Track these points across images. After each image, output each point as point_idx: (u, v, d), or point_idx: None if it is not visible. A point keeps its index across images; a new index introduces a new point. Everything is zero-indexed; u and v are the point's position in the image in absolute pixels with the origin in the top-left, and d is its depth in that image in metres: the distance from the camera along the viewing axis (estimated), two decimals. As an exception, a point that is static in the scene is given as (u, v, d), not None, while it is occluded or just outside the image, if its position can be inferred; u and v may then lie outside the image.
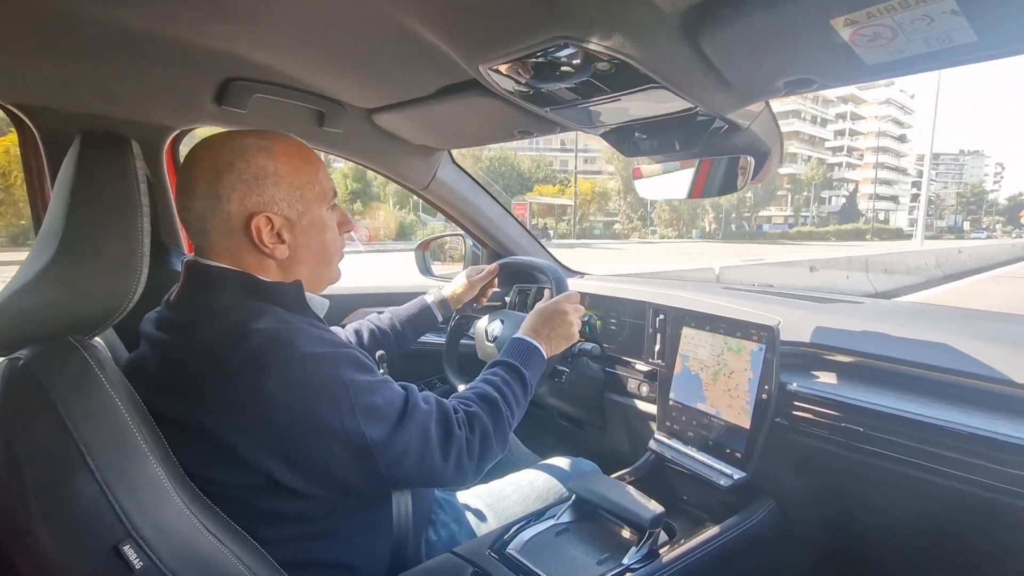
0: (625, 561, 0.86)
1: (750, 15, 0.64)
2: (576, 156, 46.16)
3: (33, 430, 0.56)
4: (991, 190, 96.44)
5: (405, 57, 0.90)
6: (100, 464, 0.55)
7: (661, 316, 1.28)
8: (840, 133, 68.65)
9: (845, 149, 68.42)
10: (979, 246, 22.42)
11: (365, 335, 1.17)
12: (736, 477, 1.03)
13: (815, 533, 1.07)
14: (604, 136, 1.18)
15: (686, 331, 1.20)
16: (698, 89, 0.85)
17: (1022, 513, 0.75)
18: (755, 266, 9.82)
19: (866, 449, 0.90)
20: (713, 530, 0.97)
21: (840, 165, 67.77)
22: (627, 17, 0.67)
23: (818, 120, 65.44)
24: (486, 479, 0.93)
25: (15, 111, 1.00)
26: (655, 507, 0.90)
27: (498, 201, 1.71)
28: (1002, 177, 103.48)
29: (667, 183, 1.19)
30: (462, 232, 1.74)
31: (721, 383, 1.10)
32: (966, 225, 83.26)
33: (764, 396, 1.02)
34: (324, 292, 0.82)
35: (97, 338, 0.68)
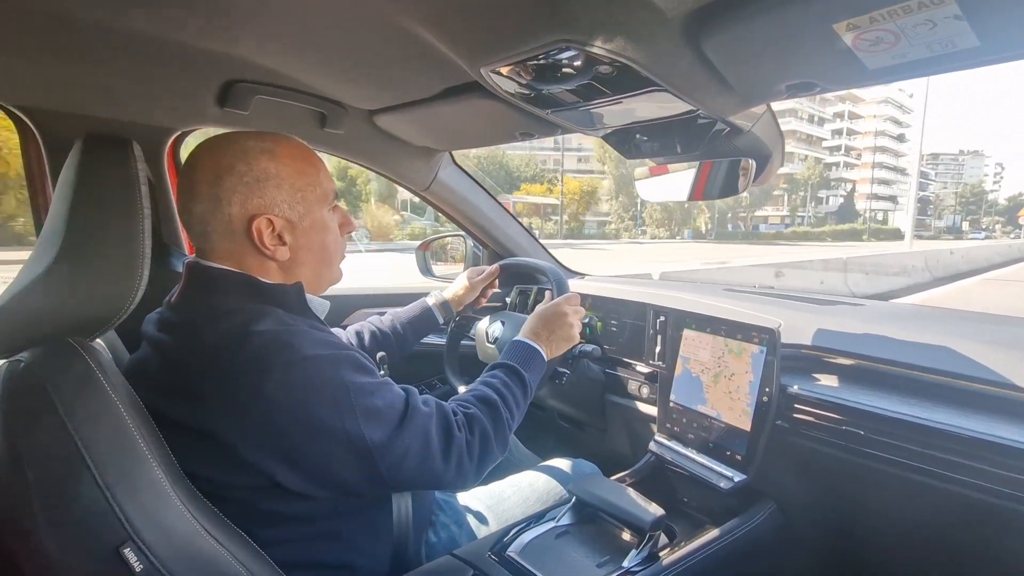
0: (625, 564, 0.86)
1: (752, 19, 0.64)
2: (563, 155, 45.61)
3: (35, 432, 0.56)
4: (991, 190, 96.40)
5: (407, 59, 0.90)
6: (101, 466, 0.55)
7: (662, 318, 1.28)
8: (838, 132, 68.43)
9: (843, 148, 68.17)
10: (973, 247, 21.68)
11: (366, 337, 1.17)
12: (737, 480, 1.03)
13: (816, 536, 1.07)
14: (605, 138, 1.17)
15: (687, 333, 1.20)
16: (700, 92, 0.85)
17: (1023, 517, 0.75)
18: (705, 271, 9.50)
19: (867, 452, 0.90)
20: (713, 533, 0.97)
21: (838, 165, 67.61)
22: (629, 21, 0.67)
23: (815, 119, 65.27)
24: (486, 480, 0.93)
25: (17, 113, 1.00)
26: (655, 509, 0.90)
27: (499, 202, 1.71)
28: (1002, 177, 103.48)
29: (668, 185, 1.19)
30: (463, 233, 1.75)
31: (722, 385, 1.10)
32: (965, 225, 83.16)
33: (765, 398, 1.02)
34: (324, 292, 0.82)
35: (98, 340, 0.68)
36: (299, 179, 0.73)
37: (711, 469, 1.08)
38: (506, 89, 0.90)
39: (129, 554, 0.54)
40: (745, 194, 1.12)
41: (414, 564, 0.84)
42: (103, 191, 0.61)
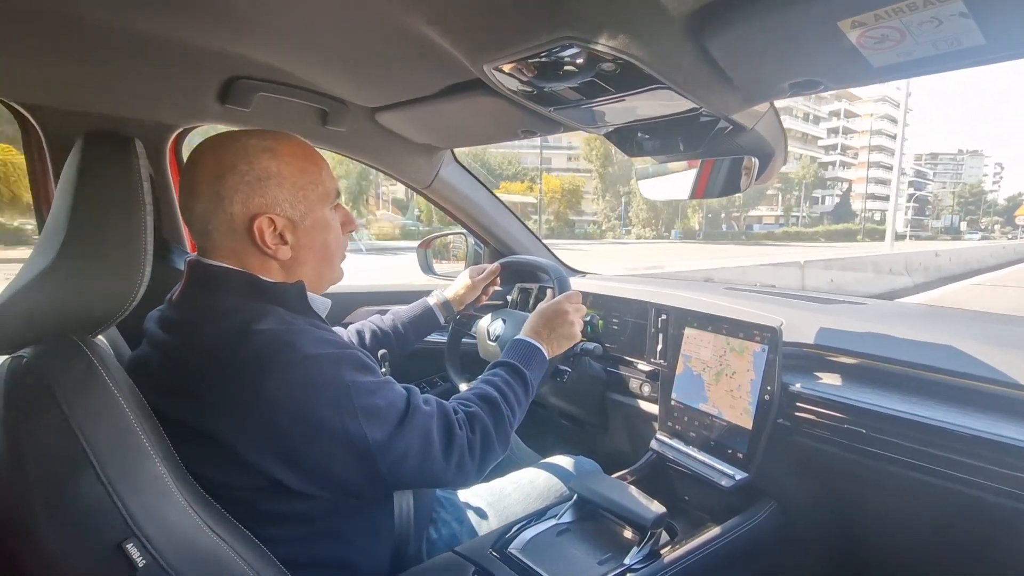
0: (626, 561, 0.86)
1: (757, 17, 0.64)
2: (541, 152, 44.68)
3: (37, 428, 0.56)
4: (990, 190, 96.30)
5: (409, 57, 0.90)
6: (103, 462, 0.55)
7: (663, 316, 1.28)
8: (834, 131, 67.89)
9: (839, 147, 67.70)
10: (964, 248, 20.14)
11: (367, 336, 1.17)
12: (738, 478, 1.03)
13: (817, 535, 1.07)
14: (607, 136, 1.17)
15: (688, 331, 1.20)
16: (703, 90, 0.85)
17: None
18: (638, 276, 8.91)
19: (869, 451, 0.90)
20: (714, 531, 0.97)
21: (834, 164, 67.23)
22: (633, 18, 0.67)
23: (811, 117, 64.79)
24: (487, 478, 0.93)
25: (19, 109, 1.00)
26: (657, 507, 0.90)
27: (501, 201, 1.71)
28: (1001, 177, 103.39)
29: (669, 183, 1.18)
30: (464, 231, 1.74)
31: (723, 384, 1.10)
32: (963, 226, 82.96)
33: (766, 397, 1.02)
34: (325, 291, 0.82)
35: (100, 336, 0.68)
36: (301, 178, 0.72)
37: (712, 467, 1.08)
38: (508, 87, 0.90)
39: (131, 550, 0.54)
40: (738, 193, 1.12)
41: (415, 561, 0.84)
42: (105, 188, 0.61)
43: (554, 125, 1.15)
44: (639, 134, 1.13)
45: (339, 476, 0.66)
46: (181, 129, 1.19)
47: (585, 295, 1.38)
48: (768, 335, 1.04)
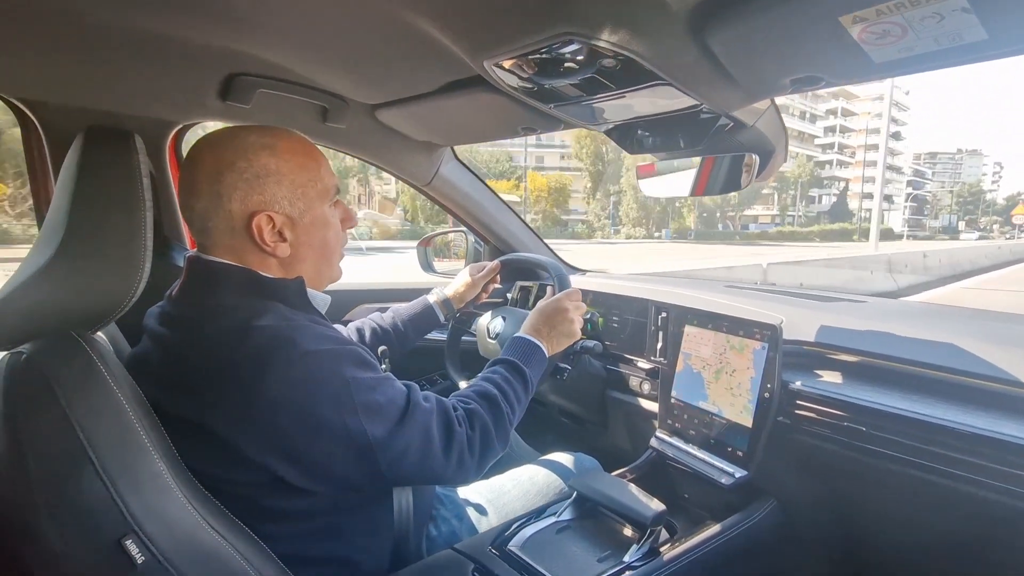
0: (626, 559, 0.86)
1: (758, 12, 0.63)
2: (526, 150, 43.35)
3: (37, 424, 0.56)
4: (989, 190, 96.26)
5: (409, 53, 0.90)
6: (103, 458, 0.55)
7: (663, 314, 1.28)
8: (831, 129, 67.44)
9: (836, 146, 67.27)
10: (959, 248, 18.89)
11: (367, 333, 1.17)
12: (738, 476, 1.03)
13: (817, 533, 1.07)
14: (608, 133, 1.17)
15: (688, 329, 1.20)
16: (704, 86, 0.84)
17: None
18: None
19: (869, 449, 0.90)
20: (714, 529, 0.97)
21: (831, 163, 66.87)
22: (634, 14, 0.67)
23: (807, 116, 64.37)
24: (487, 475, 0.93)
25: (19, 105, 1.00)
26: (656, 505, 0.90)
27: (501, 199, 1.71)
28: (1001, 177, 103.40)
29: (670, 181, 1.18)
30: (464, 228, 1.74)
31: (723, 381, 1.10)
32: (961, 225, 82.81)
33: (766, 395, 1.02)
34: (324, 288, 0.82)
35: (100, 333, 0.68)
36: (300, 175, 0.72)
37: (712, 465, 1.08)
38: (509, 83, 0.90)
39: (131, 546, 0.54)
40: (736, 191, 1.12)
41: (415, 558, 0.84)
42: (105, 184, 0.61)
43: (554, 122, 1.15)
44: (640, 131, 1.13)
45: (339, 472, 0.66)
46: (181, 125, 1.19)
47: (585, 293, 1.37)
48: (768, 333, 1.04)
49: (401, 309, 1.24)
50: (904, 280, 11.16)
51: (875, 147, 68.93)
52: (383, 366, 1.02)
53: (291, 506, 0.68)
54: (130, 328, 0.82)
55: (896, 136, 72.65)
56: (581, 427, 1.60)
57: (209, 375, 0.63)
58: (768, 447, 1.02)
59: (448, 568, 0.82)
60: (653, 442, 1.22)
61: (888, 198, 73.49)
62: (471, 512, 0.97)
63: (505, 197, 1.71)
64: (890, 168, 73.32)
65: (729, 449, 1.07)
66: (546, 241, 1.84)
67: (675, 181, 1.19)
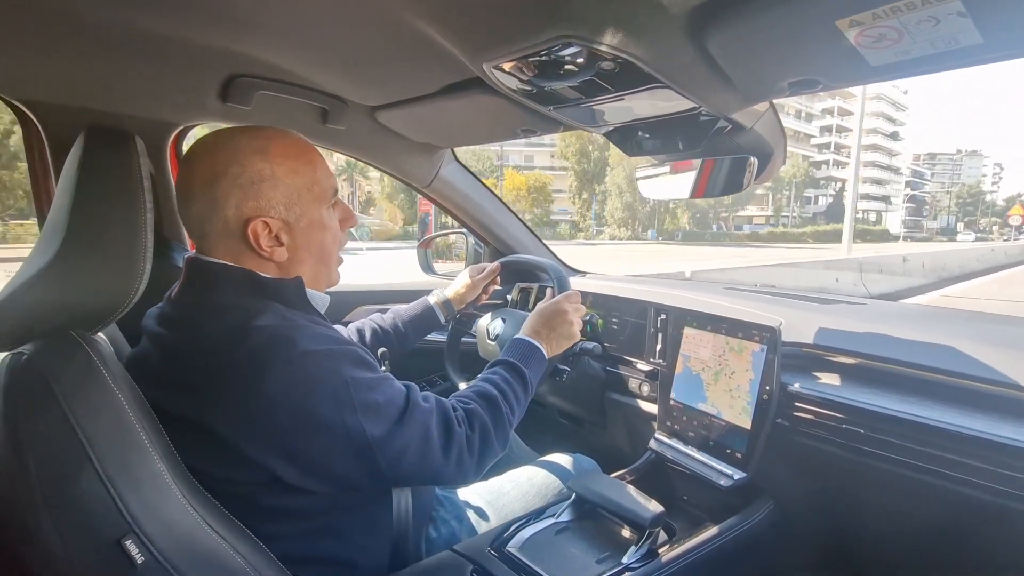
0: (624, 560, 0.86)
1: (756, 15, 0.64)
2: (502, 149, 41.43)
3: (37, 425, 0.56)
4: (989, 191, 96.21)
5: (409, 55, 0.90)
6: (103, 459, 0.55)
7: (663, 316, 1.28)
8: (827, 129, 66.62)
9: (832, 146, 66.48)
10: (949, 250, 16.81)
11: (367, 334, 1.17)
12: (736, 477, 1.03)
13: (815, 534, 1.08)
14: (607, 135, 1.18)
15: (688, 331, 1.20)
16: (702, 89, 0.85)
17: (1022, 517, 0.76)
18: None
19: (867, 451, 0.90)
20: (713, 530, 0.97)
21: (827, 163, 66.34)
22: (632, 17, 0.67)
23: (803, 115, 63.68)
24: (486, 476, 0.93)
25: (20, 107, 1.00)
26: (655, 507, 0.91)
27: (502, 201, 1.71)
28: (1000, 178, 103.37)
29: (671, 183, 1.19)
30: (464, 230, 1.75)
31: (722, 383, 1.10)
32: (960, 227, 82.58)
33: (765, 397, 1.02)
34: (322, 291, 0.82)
35: (100, 333, 0.68)
36: (295, 179, 0.72)
37: (711, 467, 1.08)
38: (508, 85, 0.90)
39: (130, 546, 0.54)
40: (733, 194, 1.12)
41: (414, 559, 0.84)
42: (105, 185, 0.61)
43: (554, 124, 1.15)
44: (639, 133, 1.13)
45: (338, 471, 0.66)
46: (182, 127, 1.20)
47: (584, 295, 1.38)
48: (767, 335, 1.04)
49: (401, 310, 1.24)
50: (878, 287, 9.92)
51: (872, 147, 68.71)
52: (383, 367, 1.03)
53: (290, 506, 0.68)
54: (130, 329, 0.82)
55: (894, 136, 72.32)
56: (580, 428, 1.60)
57: (208, 374, 0.63)
58: (767, 449, 1.02)
59: (447, 569, 0.82)
60: (652, 444, 1.22)
61: (886, 199, 73.25)
62: (470, 513, 0.97)
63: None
64: (888, 168, 72.99)
65: (728, 451, 1.07)
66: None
67: (675, 183, 1.19)
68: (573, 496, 0.99)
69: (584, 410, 1.53)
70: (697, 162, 1.12)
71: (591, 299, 1.49)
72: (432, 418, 0.71)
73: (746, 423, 1.04)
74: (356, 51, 0.92)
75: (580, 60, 0.77)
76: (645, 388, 1.33)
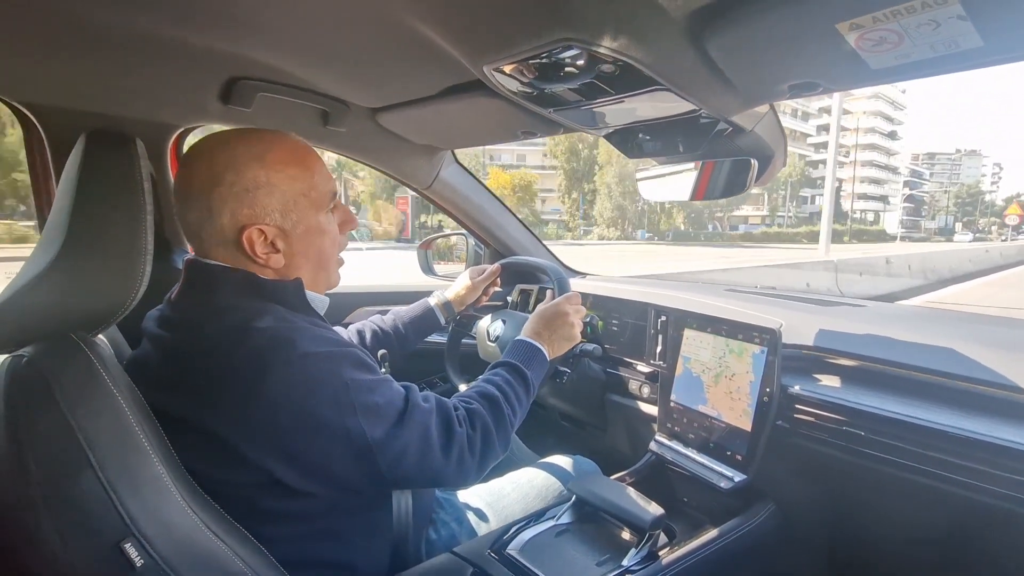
0: (625, 563, 0.86)
1: (756, 18, 0.64)
2: (483, 150, 40.54)
3: (37, 427, 0.56)
4: (988, 191, 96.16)
5: (409, 57, 0.90)
6: (103, 461, 0.55)
7: (663, 317, 1.28)
8: (824, 128, 66.60)
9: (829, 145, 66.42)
10: (941, 251, 16.01)
11: (367, 335, 1.17)
12: (737, 480, 1.03)
13: (815, 537, 1.07)
14: (607, 137, 1.18)
15: (688, 333, 1.20)
16: (702, 91, 0.85)
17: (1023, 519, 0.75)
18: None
19: (868, 453, 0.90)
20: (713, 532, 0.97)
21: (824, 162, 66.37)
22: (632, 19, 0.67)
23: (799, 114, 63.25)
24: (486, 478, 0.93)
25: (21, 109, 1.01)
26: (655, 509, 0.90)
27: (502, 202, 1.71)
28: (1000, 178, 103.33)
29: (671, 185, 1.19)
30: (465, 231, 1.75)
31: (723, 385, 1.10)
32: (958, 227, 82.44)
33: (765, 399, 1.02)
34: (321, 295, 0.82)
35: (100, 336, 0.68)
36: (292, 185, 0.71)
37: (711, 469, 1.08)
38: (508, 88, 0.90)
39: (130, 549, 0.54)
40: (734, 196, 1.12)
41: (414, 561, 0.84)
42: (106, 188, 0.61)
43: (554, 126, 1.15)
44: (639, 135, 1.13)
45: (339, 473, 0.66)
46: (182, 129, 1.20)
47: (585, 296, 1.38)
48: (767, 337, 1.04)
49: (401, 312, 1.24)
50: (854, 291, 9.03)
51: (870, 146, 68.57)
52: (383, 369, 1.03)
53: (290, 508, 0.68)
54: (131, 332, 0.82)
55: (892, 135, 72.14)
56: (581, 430, 1.60)
57: (208, 376, 0.63)
58: (767, 451, 1.02)
59: (447, 572, 0.82)
60: (652, 445, 1.22)
61: (884, 199, 73.05)
62: (470, 515, 0.97)
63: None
64: (885, 168, 72.83)
65: (728, 453, 1.07)
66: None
67: (675, 185, 1.19)
68: (573, 498, 0.98)
69: (584, 412, 1.53)
70: (697, 164, 1.12)
71: (591, 300, 1.49)
72: (432, 418, 0.71)
73: (746, 425, 1.04)
74: (357, 53, 0.92)
75: (580, 63, 0.77)
76: (645, 390, 1.33)
